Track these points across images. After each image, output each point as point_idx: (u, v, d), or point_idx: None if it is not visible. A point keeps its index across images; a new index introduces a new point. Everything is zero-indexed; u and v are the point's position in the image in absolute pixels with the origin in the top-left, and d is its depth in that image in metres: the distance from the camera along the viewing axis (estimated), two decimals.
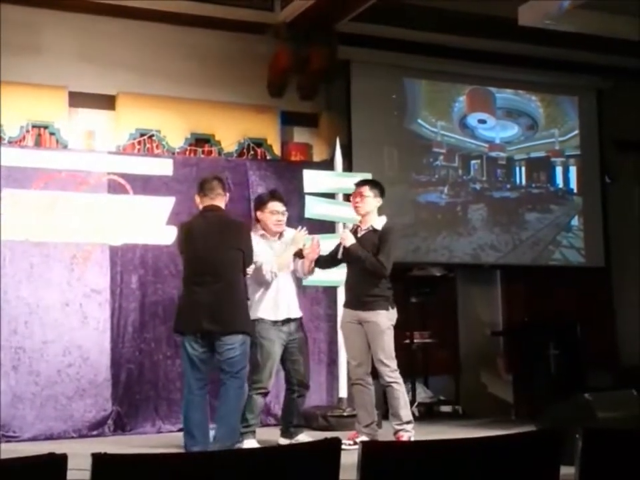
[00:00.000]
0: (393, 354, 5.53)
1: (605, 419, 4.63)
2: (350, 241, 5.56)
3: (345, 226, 6.06)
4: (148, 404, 6.61)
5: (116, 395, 6.51)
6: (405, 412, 5.53)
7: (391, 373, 5.51)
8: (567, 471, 2.88)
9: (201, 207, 5.45)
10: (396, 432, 5.53)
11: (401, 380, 5.55)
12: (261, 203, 5.84)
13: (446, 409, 7.66)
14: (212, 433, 5.27)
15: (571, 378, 7.59)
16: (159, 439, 6.20)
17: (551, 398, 7.07)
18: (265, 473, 2.51)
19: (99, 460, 2.27)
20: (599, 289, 9.13)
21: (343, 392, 6.67)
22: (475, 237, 8.69)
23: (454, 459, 2.72)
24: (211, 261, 5.17)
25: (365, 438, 5.39)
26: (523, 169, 9.10)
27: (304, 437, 5.79)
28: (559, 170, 9.29)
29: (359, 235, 5.66)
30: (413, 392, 7.41)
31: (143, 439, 6.22)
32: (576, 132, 9.36)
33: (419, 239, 8.42)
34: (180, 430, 6.51)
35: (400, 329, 7.70)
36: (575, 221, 9.25)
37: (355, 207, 5.71)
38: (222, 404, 5.23)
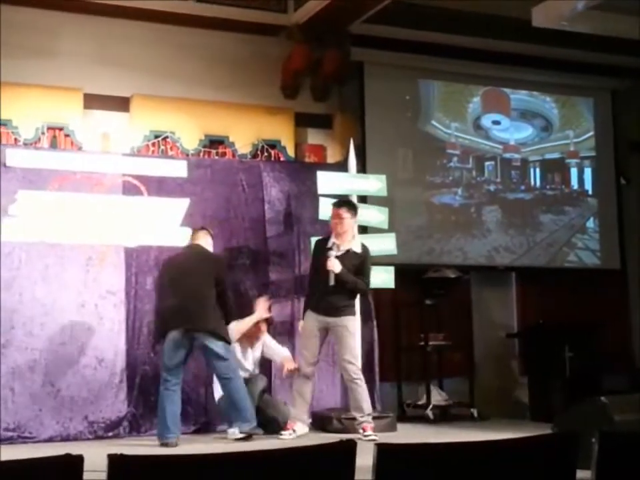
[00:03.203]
0: (359, 354, 6.17)
1: (621, 422, 4.59)
2: (338, 267, 5.97)
3: (333, 246, 6.15)
4: None
5: (131, 396, 6.52)
6: (367, 405, 6.07)
7: (358, 371, 6.05)
8: (583, 474, 2.86)
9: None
10: (359, 423, 6.01)
11: (362, 377, 6.08)
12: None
13: (461, 411, 7.62)
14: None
15: (586, 380, 7.54)
16: None
17: (567, 400, 7.03)
18: (280, 474, 2.51)
19: (115, 461, 2.28)
20: (615, 291, 9.09)
21: None
22: (489, 238, 8.67)
23: (469, 462, 2.71)
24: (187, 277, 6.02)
25: (300, 425, 6.08)
26: (538, 170, 9.07)
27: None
28: (573, 171, 9.26)
29: (337, 255, 6.05)
30: (427, 394, 7.39)
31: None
32: (591, 133, 9.33)
33: (433, 240, 8.41)
34: (195, 432, 6.55)
35: (414, 331, 7.75)
36: (590, 223, 9.21)
37: (334, 227, 6.14)
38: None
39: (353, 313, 6.14)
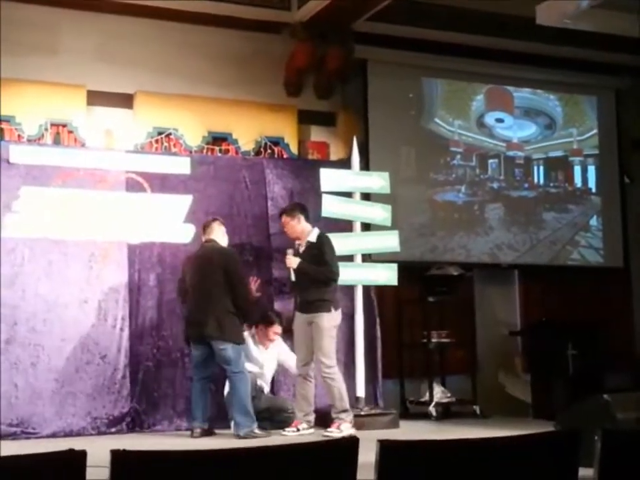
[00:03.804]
0: (332, 353, 6.18)
1: (624, 420, 4.59)
2: (295, 263, 6.21)
3: (298, 247, 6.36)
4: (166, 401, 6.63)
5: (134, 392, 6.53)
6: (340, 403, 6.11)
7: (327, 369, 6.12)
8: (585, 472, 2.86)
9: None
10: (332, 419, 6.10)
11: (336, 375, 6.15)
12: (269, 322, 6.62)
13: (463, 408, 7.63)
14: None
15: (589, 378, 7.54)
16: (176, 436, 6.23)
17: (569, 398, 7.03)
18: (283, 470, 2.51)
19: (118, 456, 2.28)
20: (618, 289, 9.07)
21: (360, 391, 6.67)
22: (492, 236, 8.66)
23: (471, 459, 2.71)
24: (201, 282, 6.19)
25: (305, 425, 6.12)
26: (541, 168, 9.06)
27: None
28: (577, 169, 9.25)
29: (300, 252, 6.28)
30: (430, 391, 7.39)
31: (161, 436, 6.25)
32: (594, 131, 9.31)
33: (436, 238, 8.41)
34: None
35: (417, 328, 7.75)
36: (594, 221, 9.20)
37: (288, 235, 6.43)
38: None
39: (328, 309, 6.14)
